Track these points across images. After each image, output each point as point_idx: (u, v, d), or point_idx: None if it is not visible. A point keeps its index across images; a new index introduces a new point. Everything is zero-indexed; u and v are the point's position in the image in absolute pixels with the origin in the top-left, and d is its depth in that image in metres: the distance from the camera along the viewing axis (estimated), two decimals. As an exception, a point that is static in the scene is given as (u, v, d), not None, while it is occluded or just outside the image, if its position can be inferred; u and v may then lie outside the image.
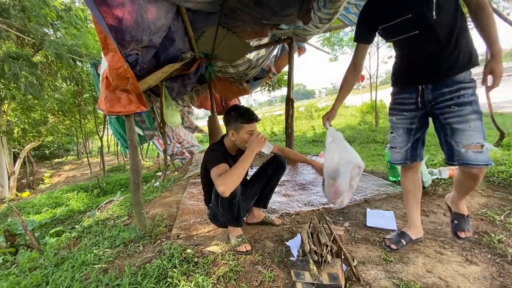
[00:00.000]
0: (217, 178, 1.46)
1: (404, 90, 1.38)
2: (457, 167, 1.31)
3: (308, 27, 2.98)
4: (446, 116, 1.23)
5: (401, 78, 1.41)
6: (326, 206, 2.20)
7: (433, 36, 1.21)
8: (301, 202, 2.36)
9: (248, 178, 1.95)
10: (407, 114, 1.38)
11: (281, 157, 1.85)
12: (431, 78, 1.26)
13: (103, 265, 1.69)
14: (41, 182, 12.10)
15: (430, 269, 1.28)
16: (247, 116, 1.61)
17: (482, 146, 1.17)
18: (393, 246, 1.45)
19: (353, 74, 1.53)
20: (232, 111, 1.66)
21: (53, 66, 6.57)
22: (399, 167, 2.48)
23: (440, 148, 1.38)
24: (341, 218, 1.96)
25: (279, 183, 2.99)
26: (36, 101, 8.10)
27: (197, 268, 1.49)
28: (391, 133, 1.46)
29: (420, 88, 1.29)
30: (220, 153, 1.65)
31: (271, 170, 1.85)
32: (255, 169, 1.97)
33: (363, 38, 1.45)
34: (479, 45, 1.36)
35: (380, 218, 1.84)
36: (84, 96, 8.15)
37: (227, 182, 1.43)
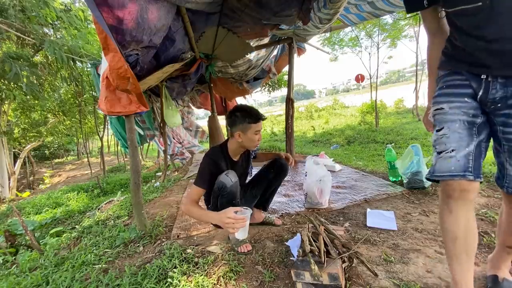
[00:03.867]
0: (187, 200, 1.53)
1: (460, 73, 0.95)
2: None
3: (308, 27, 2.99)
4: (508, 129, 0.87)
5: (458, 58, 0.95)
6: (325, 207, 2.20)
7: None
8: (301, 202, 2.35)
9: (247, 181, 1.95)
10: (469, 101, 0.91)
11: (283, 161, 1.79)
12: (505, 67, 0.83)
13: (103, 265, 1.69)
14: (41, 182, 12.11)
15: (430, 269, 1.28)
16: (254, 115, 1.56)
17: None
18: None
19: (435, 44, 1.06)
20: (238, 111, 1.58)
21: (53, 66, 6.58)
22: (399, 167, 2.47)
23: None
24: (341, 218, 1.96)
25: (279, 184, 3.01)
26: (36, 101, 8.11)
27: (197, 268, 1.49)
28: (437, 130, 0.95)
29: (484, 78, 0.88)
30: (212, 166, 1.56)
31: (272, 174, 1.81)
32: (255, 171, 1.95)
33: (414, 4, 1.07)
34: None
35: (380, 218, 1.84)
36: (84, 96, 8.15)
37: (189, 212, 1.52)
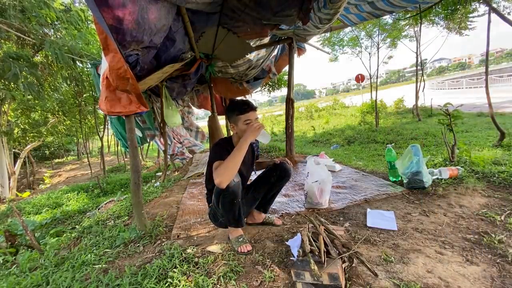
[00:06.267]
0: (214, 171, 1.49)
1: None
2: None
3: (308, 27, 2.99)
4: None
5: None
6: (325, 207, 2.20)
7: None
8: (301, 202, 2.35)
9: (249, 183, 1.95)
10: None
11: (286, 165, 1.82)
12: None
13: (103, 265, 1.69)
14: (41, 182, 12.11)
15: (430, 269, 1.28)
16: (241, 106, 1.65)
17: None
18: None
19: None
20: (230, 105, 1.72)
21: (53, 66, 6.58)
22: (399, 167, 2.47)
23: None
24: (341, 218, 1.96)
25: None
26: (36, 101, 8.12)
27: (197, 268, 1.49)
28: None
29: None
30: (224, 148, 1.65)
31: (274, 178, 1.82)
32: (258, 173, 1.95)
33: None
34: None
35: (381, 218, 1.84)
36: (84, 96, 8.16)
37: (222, 172, 1.45)
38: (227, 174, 1.45)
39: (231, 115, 1.68)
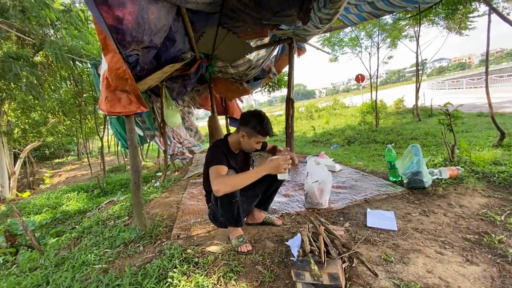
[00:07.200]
0: (216, 178, 1.48)
1: None
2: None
3: (308, 27, 2.99)
4: None
5: None
6: (325, 207, 2.20)
7: None
8: (301, 202, 2.35)
9: None
10: None
11: None
12: None
13: (104, 265, 1.69)
14: (41, 182, 12.11)
15: (430, 269, 1.28)
16: (265, 129, 1.63)
17: None
18: None
19: None
20: (255, 116, 1.65)
21: (53, 66, 6.58)
22: (399, 167, 2.48)
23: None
24: (341, 218, 1.96)
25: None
26: (36, 101, 8.12)
27: (198, 268, 1.49)
28: None
29: None
30: (221, 151, 1.66)
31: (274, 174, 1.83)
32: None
33: None
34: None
35: (381, 218, 1.84)
36: (84, 96, 8.16)
37: (225, 184, 1.44)
38: (229, 188, 1.46)
39: (252, 126, 1.62)
